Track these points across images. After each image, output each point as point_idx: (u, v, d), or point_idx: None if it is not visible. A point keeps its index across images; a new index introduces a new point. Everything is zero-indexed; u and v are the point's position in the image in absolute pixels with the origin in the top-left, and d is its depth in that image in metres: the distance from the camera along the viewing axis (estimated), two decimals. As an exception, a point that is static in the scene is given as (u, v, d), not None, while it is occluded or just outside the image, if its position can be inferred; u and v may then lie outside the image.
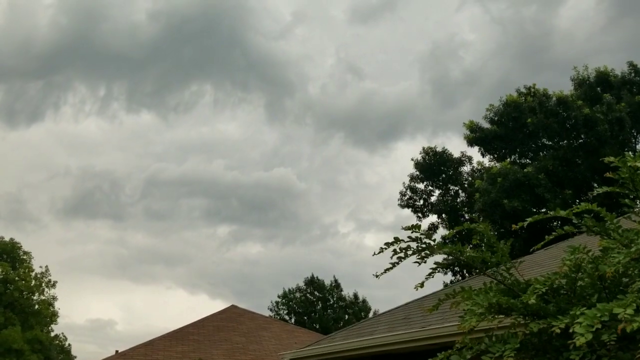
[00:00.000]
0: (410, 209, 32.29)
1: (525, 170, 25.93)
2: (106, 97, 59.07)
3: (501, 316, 3.95)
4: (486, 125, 29.36)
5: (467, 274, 27.93)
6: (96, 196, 63.53)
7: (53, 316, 47.63)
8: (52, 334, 48.69)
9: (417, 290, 4.61)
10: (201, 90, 59.68)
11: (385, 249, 4.24)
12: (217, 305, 79.01)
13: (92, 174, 63.24)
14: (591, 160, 25.41)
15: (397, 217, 57.19)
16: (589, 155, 25.95)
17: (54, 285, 47.94)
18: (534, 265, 10.06)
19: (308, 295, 44.74)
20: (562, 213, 4.25)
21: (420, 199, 32.13)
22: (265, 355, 20.05)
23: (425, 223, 31.50)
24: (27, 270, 47.11)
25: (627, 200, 4.42)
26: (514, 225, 4.75)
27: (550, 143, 28.27)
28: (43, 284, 47.51)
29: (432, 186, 32.00)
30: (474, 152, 30.72)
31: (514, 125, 28.41)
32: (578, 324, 3.21)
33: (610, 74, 28.48)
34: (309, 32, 61.22)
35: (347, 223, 64.14)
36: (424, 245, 4.22)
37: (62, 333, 50.57)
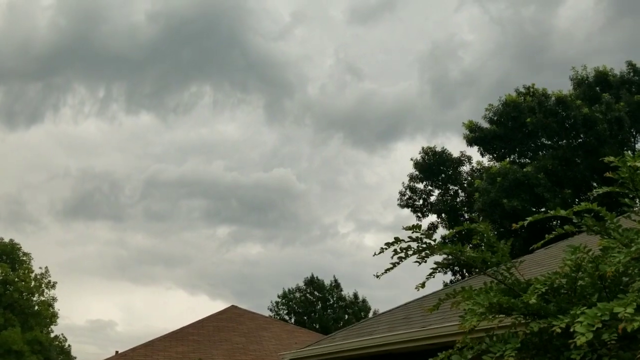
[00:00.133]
0: (409, 209, 32.33)
1: (524, 169, 25.94)
2: (105, 99, 59.11)
3: (502, 316, 3.95)
4: (485, 125, 29.39)
5: (467, 274, 27.95)
6: (96, 197, 63.59)
7: (53, 317, 47.60)
8: (52, 335, 48.67)
9: (418, 290, 4.62)
10: (200, 91, 59.77)
11: (386, 249, 4.25)
12: (217, 306, 79.00)
13: (92, 175, 63.31)
14: (590, 159, 25.43)
15: (396, 217, 57.24)
16: (588, 154, 25.97)
17: (53, 286, 47.96)
18: (534, 265, 10.07)
19: (308, 295, 44.74)
20: (563, 212, 4.26)
21: (419, 198, 32.15)
22: (266, 355, 20.06)
23: (424, 223, 31.54)
24: (26, 272, 47.09)
25: (627, 200, 4.42)
26: (514, 225, 4.75)
27: (549, 143, 28.29)
28: (43, 285, 47.49)
29: (431, 186, 32.03)
30: (474, 152, 30.77)
31: (513, 125, 28.42)
32: (579, 323, 3.21)
33: (609, 73, 28.51)
34: (308, 32, 61.25)
35: (347, 223, 64.22)
36: (424, 245, 4.22)
37: (62, 334, 50.61)
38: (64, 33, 51.68)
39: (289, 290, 44.82)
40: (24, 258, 48.08)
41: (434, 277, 4.77)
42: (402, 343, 9.28)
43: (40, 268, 48.19)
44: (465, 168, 32.06)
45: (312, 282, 44.98)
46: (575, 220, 4.30)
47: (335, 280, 45.36)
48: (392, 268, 4.32)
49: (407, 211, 32.54)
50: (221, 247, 63.76)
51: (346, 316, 43.37)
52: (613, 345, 3.29)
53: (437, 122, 56.94)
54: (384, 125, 57.45)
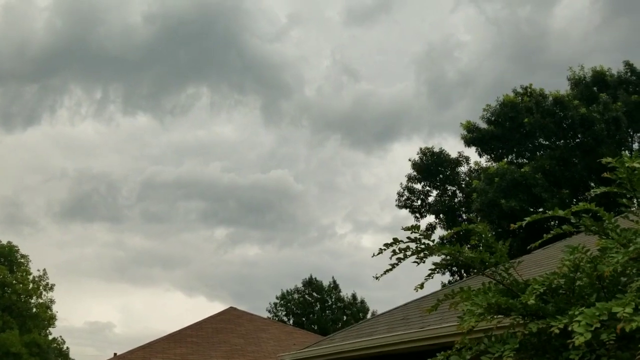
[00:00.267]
0: (407, 210, 32.38)
1: (522, 170, 25.97)
2: (102, 100, 59.02)
3: (500, 316, 3.95)
4: (483, 125, 29.41)
5: (465, 274, 27.96)
6: (93, 199, 63.46)
7: (51, 319, 47.53)
8: (50, 337, 48.55)
9: (416, 291, 4.62)
10: (197, 93, 59.76)
11: (385, 249, 4.25)
12: (215, 307, 79.05)
13: (89, 176, 63.25)
14: (588, 159, 25.47)
15: (394, 218, 57.36)
16: (585, 154, 26.01)
17: (51, 289, 47.90)
18: (533, 265, 10.07)
19: (306, 296, 44.73)
20: (561, 212, 4.27)
21: (417, 199, 32.19)
22: (264, 356, 20.04)
23: (422, 223, 31.60)
24: (24, 274, 47.02)
25: (624, 200, 4.43)
26: (512, 225, 4.76)
27: (547, 143, 28.32)
28: (41, 287, 47.42)
29: (429, 186, 32.07)
30: (471, 153, 30.80)
31: (510, 125, 28.44)
32: (577, 322, 3.22)
33: (607, 73, 28.56)
34: (305, 34, 61.31)
35: (345, 224, 64.27)
36: (422, 246, 4.22)
37: (60, 336, 50.49)
38: (61, 34, 51.72)
39: (287, 291, 44.83)
40: (22, 260, 48.02)
41: (432, 277, 4.77)
42: (401, 344, 9.28)
43: (38, 270, 48.22)
44: (463, 168, 32.12)
45: (311, 283, 44.96)
46: (573, 221, 4.31)
47: (334, 281, 45.40)
48: (391, 269, 4.32)
49: (405, 212, 32.66)
50: (219, 248, 63.79)
51: (345, 317, 43.35)
52: (611, 346, 3.29)
53: (433, 123, 57.07)
54: (381, 126, 57.55)
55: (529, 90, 28.98)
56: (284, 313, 44.09)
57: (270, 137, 64.85)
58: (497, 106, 28.90)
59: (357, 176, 64.29)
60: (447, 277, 30.25)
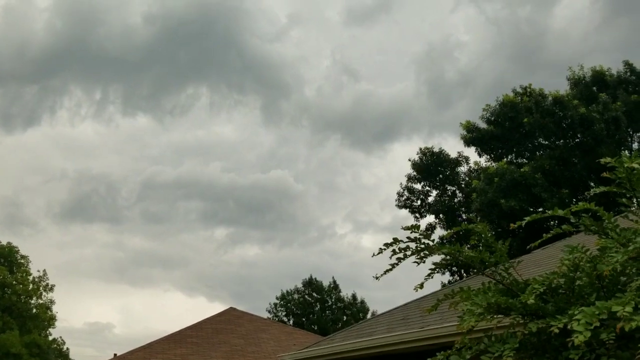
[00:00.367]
0: (407, 210, 32.38)
1: (522, 170, 25.98)
2: (102, 101, 59.03)
3: (500, 316, 3.96)
4: (483, 125, 29.42)
5: (465, 274, 27.98)
6: (93, 199, 63.46)
7: (51, 320, 47.54)
8: (50, 338, 48.56)
9: (416, 291, 4.63)
10: (197, 93, 59.76)
11: (385, 249, 4.25)
12: (215, 308, 79.14)
13: (89, 177, 63.26)
14: (587, 159, 25.48)
15: (394, 218, 57.38)
16: (585, 154, 26.02)
17: (51, 289, 47.92)
18: (532, 265, 10.08)
19: (306, 296, 44.73)
20: (560, 212, 4.27)
21: (417, 199, 32.20)
22: (264, 357, 20.04)
23: (422, 223, 31.60)
24: (24, 274, 47.03)
25: (624, 200, 4.44)
26: (512, 225, 4.76)
27: (546, 143, 28.33)
28: (41, 288, 47.43)
29: (429, 186, 32.08)
30: (471, 152, 30.83)
31: (510, 125, 28.45)
32: (576, 321, 3.22)
33: (606, 73, 28.57)
34: (305, 34, 61.32)
35: (345, 224, 64.28)
36: (422, 246, 4.23)
37: (60, 337, 50.50)
38: (61, 35, 51.73)
39: (287, 291, 44.83)
40: (22, 261, 48.03)
41: (432, 277, 4.77)
42: (401, 344, 9.29)
43: (38, 271, 48.25)
44: (463, 168, 32.13)
45: (311, 284, 44.97)
46: (572, 220, 4.31)
47: (334, 282, 45.40)
48: (391, 269, 4.32)
49: (405, 212, 32.67)
50: (219, 248, 63.80)
51: (345, 317, 43.36)
52: (611, 345, 3.30)
53: (433, 123, 57.09)
54: (381, 126, 57.56)
55: (528, 90, 28.99)
56: (284, 313, 44.10)
57: (270, 137, 64.91)
58: (497, 106, 28.91)
59: (357, 176, 64.36)
60: (447, 277, 30.29)
